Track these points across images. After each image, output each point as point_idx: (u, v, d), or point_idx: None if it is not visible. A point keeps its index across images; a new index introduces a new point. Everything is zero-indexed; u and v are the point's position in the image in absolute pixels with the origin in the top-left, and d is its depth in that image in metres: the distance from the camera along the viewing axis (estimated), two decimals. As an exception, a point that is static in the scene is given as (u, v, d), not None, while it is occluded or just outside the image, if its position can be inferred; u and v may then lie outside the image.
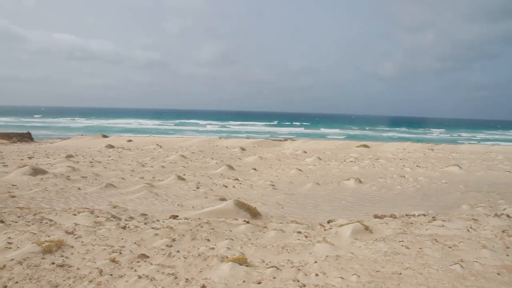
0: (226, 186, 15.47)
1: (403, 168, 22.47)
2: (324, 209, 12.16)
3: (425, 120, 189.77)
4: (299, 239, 6.10)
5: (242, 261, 4.61)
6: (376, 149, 36.94)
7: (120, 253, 5.09)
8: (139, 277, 4.19)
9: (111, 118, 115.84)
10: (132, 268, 4.58)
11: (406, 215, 8.91)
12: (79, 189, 13.56)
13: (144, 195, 12.82)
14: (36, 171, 15.61)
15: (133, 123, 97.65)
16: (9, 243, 5.41)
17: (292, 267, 4.62)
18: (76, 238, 5.81)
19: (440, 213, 10.32)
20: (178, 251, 5.33)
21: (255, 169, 21.05)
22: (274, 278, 4.27)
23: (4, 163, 20.29)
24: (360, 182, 16.82)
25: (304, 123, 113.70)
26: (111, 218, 7.41)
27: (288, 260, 4.98)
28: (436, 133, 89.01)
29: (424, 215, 8.73)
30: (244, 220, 7.79)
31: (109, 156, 25.49)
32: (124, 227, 6.41)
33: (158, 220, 7.63)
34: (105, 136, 38.57)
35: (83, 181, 15.23)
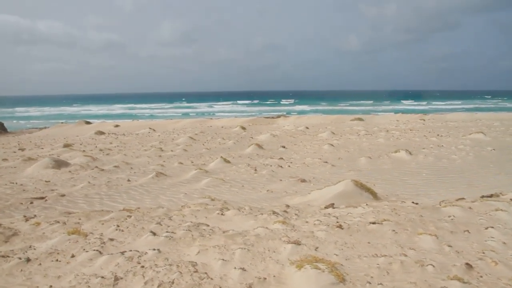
0: (281, 167, 14.08)
1: (427, 138, 22.14)
2: (414, 183, 11.25)
3: (394, 92, 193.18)
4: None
5: None
6: (371, 121, 36.80)
7: (422, 265, 3.61)
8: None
9: (76, 105, 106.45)
10: None
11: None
12: (128, 180, 11.57)
13: (213, 183, 11.15)
14: (59, 164, 13.25)
15: (103, 108, 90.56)
16: (243, 269, 3.67)
17: None
18: (316, 249, 4.18)
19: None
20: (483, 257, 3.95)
21: (284, 147, 19.72)
22: None
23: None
24: (411, 154, 16.08)
25: (284, 101, 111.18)
26: (276, 215, 5.81)
27: None
28: (407, 104, 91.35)
29: None
30: (413, 202, 6.58)
31: (111, 143, 22.97)
32: (339, 226, 4.90)
33: (328, 213, 6.12)
34: (88, 123, 35.14)
35: (119, 171, 13.14)
